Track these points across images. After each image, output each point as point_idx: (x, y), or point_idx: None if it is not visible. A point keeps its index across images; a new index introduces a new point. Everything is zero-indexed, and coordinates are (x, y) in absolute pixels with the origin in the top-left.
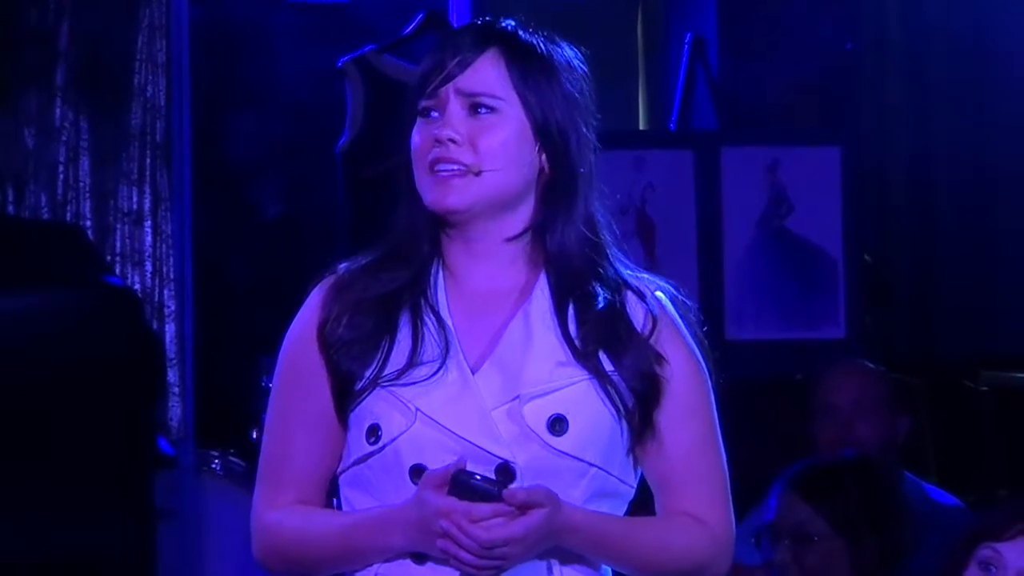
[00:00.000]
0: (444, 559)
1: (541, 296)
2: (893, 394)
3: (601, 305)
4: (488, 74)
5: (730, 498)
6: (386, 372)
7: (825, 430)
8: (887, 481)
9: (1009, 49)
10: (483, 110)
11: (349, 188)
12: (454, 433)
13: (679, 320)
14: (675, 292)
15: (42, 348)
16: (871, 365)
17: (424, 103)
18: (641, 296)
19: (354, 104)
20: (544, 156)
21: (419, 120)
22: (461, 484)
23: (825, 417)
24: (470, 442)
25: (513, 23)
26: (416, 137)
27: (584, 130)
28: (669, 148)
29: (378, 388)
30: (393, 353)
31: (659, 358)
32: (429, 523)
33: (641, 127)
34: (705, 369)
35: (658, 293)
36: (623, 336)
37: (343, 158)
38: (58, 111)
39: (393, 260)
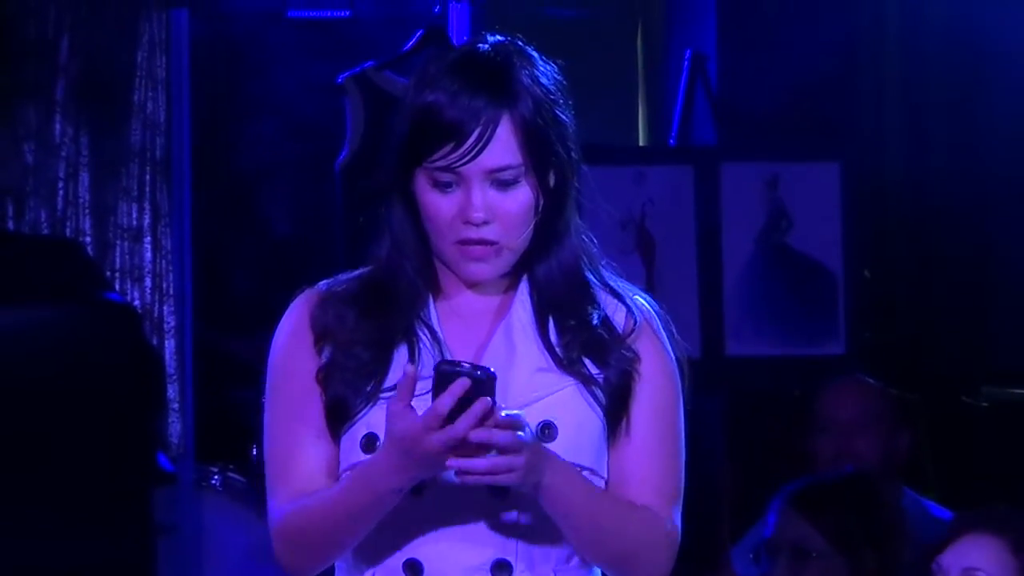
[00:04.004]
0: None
1: (521, 309)
2: (892, 410)
3: (583, 314)
4: (507, 146)
5: (681, 505)
6: (385, 386)
7: (824, 446)
8: (886, 497)
9: (1008, 65)
10: (504, 181)
11: (348, 204)
12: None
13: (659, 324)
14: (654, 303)
15: (42, 364)
16: (871, 380)
17: (445, 177)
18: (620, 299)
19: (354, 120)
20: (542, 202)
21: (436, 191)
22: (447, 374)
23: (825, 433)
24: None
25: (511, 60)
26: (439, 208)
27: (574, 160)
28: (669, 163)
29: (379, 400)
30: (391, 369)
31: (636, 355)
32: (419, 444)
33: (641, 142)
34: (678, 376)
35: (637, 298)
36: (606, 340)
37: (343, 174)
38: (58, 126)
39: (388, 303)
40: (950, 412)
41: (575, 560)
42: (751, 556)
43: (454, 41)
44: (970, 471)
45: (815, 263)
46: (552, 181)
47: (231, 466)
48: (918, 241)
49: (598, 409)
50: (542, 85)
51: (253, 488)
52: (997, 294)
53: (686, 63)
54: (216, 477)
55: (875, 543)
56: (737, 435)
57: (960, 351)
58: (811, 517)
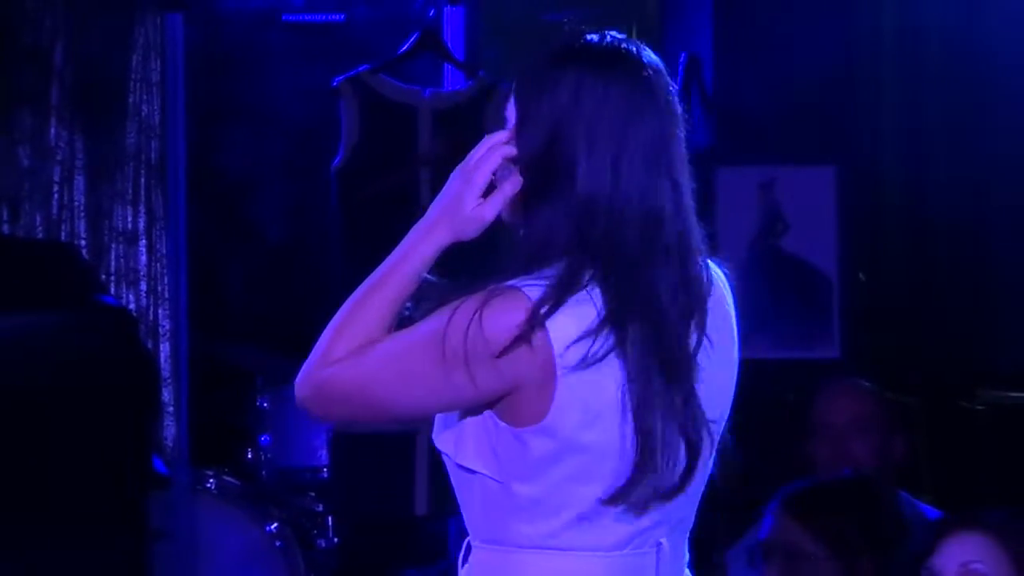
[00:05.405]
0: None
1: None
2: (888, 413)
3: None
4: None
5: (357, 374)
6: None
7: (820, 449)
8: (883, 501)
9: (1005, 69)
10: None
11: (343, 206)
12: None
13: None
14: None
15: (37, 368)
16: (866, 384)
17: None
18: None
19: (349, 123)
20: None
21: None
22: None
23: (820, 436)
24: None
25: None
26: None
27: None
28: None
29: None
30: None
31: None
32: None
33: None
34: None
35: None
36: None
37: (338, 177)
38: (53, 131)
39: None
40: (946, 415)
41: (483, 536)
42: (746, 559)
43: (448, 44)
44: (966, 474)
45: (810, 267)
46: None
47: (226, 469)
48: (913, 245)
49: None
50: None
51: (248, 491)
52: (993, 298)
53: (681, 66)
54: (211, 480)
55: (872, 546)
56: (732, 439)
57: (956, 355)
58: (807, 521)
